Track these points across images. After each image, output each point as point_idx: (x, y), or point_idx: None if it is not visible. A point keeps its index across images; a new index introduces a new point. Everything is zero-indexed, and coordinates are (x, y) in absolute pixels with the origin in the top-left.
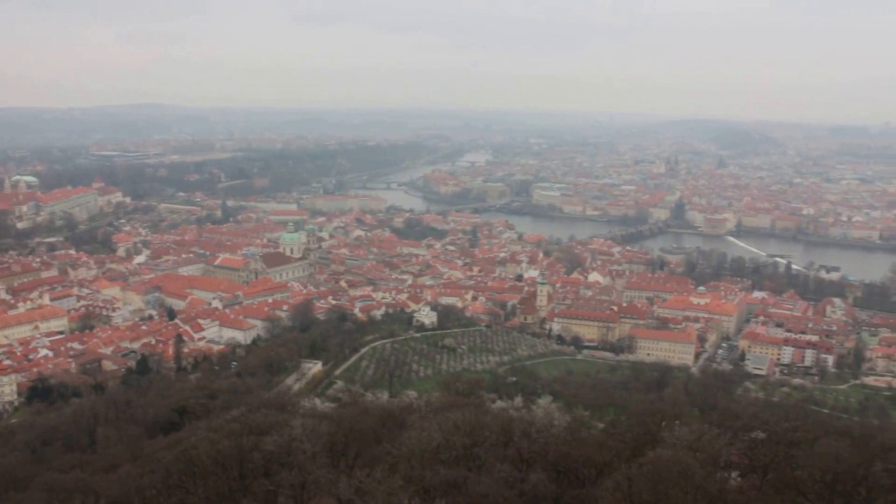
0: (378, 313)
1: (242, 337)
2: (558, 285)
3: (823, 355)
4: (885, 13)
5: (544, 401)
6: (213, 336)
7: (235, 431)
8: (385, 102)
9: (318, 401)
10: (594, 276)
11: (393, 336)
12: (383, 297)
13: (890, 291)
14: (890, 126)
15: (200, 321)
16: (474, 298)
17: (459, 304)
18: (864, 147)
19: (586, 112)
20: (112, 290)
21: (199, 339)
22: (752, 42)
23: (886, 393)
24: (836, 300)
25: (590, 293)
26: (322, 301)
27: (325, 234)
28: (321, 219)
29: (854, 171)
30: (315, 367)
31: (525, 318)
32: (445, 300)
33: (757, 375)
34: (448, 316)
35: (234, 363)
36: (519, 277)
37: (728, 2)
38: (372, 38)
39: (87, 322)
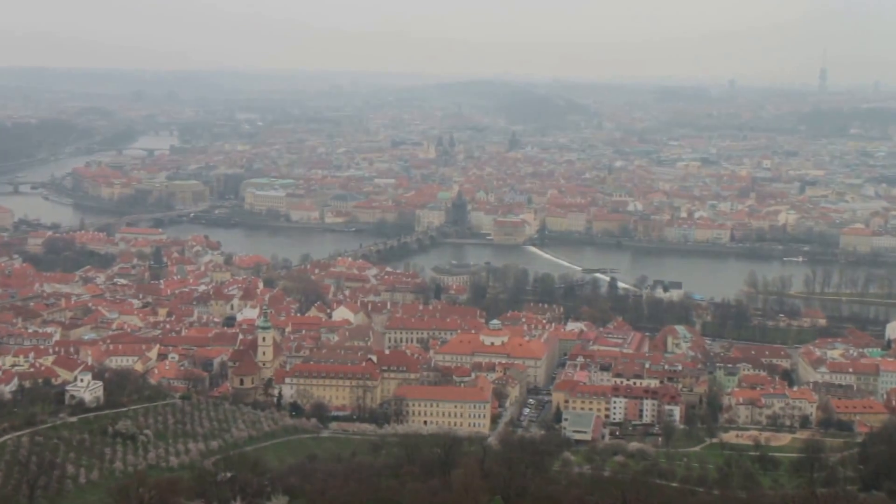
0: (7, 390)
1: None
2: (289, 329)
3: (668, 407)
4: None
5: None
6: None
7: None
8: (9, 61)
9: None
10: (342, 313)
11: (34, 424)
12: (15, 365)
13: (748, 312)
14: (736, 86)
15: None
16: (162, 357)
17: (139, 367)
18: (703, 116)
19: (321, 72)
20: None
21: None
22: None
23: (752, 453)
24: (680, 328)
25: (336, 338)
26: None
27: None
28: None
29: (693, 149)
30: None
31: (241, 382)
32: (117, 362)
33: (580, 441)
34: (122, 386)
35: None
36: (230, 321)
37: None
38: None
39: None
